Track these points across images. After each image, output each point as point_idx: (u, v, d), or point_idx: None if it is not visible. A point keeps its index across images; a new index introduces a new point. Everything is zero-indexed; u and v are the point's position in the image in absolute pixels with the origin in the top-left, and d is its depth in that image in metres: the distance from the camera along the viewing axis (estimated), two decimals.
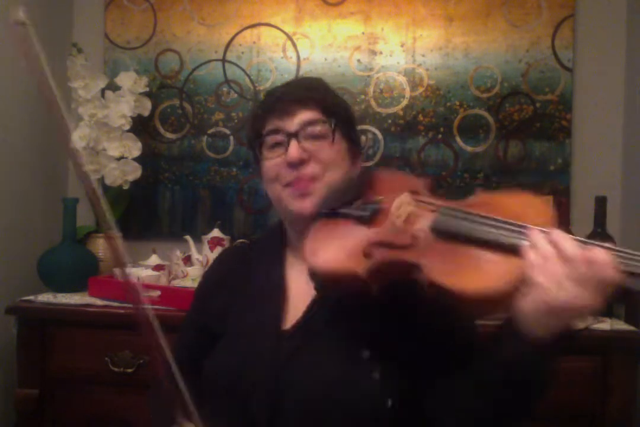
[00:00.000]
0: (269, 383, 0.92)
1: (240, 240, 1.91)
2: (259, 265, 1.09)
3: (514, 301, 0.75)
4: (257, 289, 1.05)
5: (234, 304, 1.07)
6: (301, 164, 1.00)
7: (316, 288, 0.92)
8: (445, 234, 0.82)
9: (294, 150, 1.00)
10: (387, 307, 0.89)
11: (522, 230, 0.77)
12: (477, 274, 0.76)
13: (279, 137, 1.03)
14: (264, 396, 0.92)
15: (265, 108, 1.06)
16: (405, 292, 0.82)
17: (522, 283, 0.74)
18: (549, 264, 0.73)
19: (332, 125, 1.03)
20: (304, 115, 1.02)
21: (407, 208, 0.87)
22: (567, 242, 0.73)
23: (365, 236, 0.85)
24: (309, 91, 1.06)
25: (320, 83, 1.12)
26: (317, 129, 1.02)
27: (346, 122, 1.08)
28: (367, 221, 0.90)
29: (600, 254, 0.71)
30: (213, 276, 1.19)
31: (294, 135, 1.01)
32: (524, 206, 0.83)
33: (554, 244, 0.74)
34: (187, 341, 1.12)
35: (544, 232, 0.75)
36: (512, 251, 0.76)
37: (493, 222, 0.79)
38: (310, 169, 1.00)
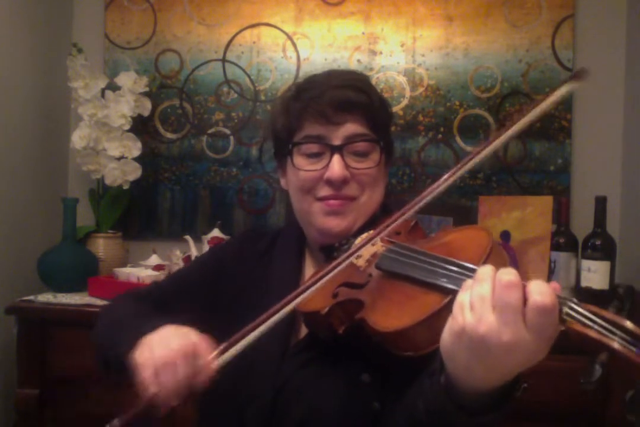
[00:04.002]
0: (266, 399, 0.87)
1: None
2: (277, 264, 1.03)
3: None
4: (272, 292, 0.95)
5: (245, 297, 0.99)
6: (342, 183, 0.94)
7: (305, 325, 0.91)
8: (388, 272, 0.81)
9: (338, 168, 0.92)
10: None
11: (459, 269, 0.72)
12: (401, 310, 0.73)
13: (320, 148, 0.95)
14: (260, 410, 0.87)
15: (305, 104, 0.95)
16: (361, 328, 0.78)
17: (442, 316, 0.67)
18: (473, 290, 0.62)
19: (380, 147, 0.96)
20: (351, 128, 0.94)
21: (371, 247, 0.83)
22: (502, 272, 0.61)
23: (340, 276, 0.82)
24: (357, 93, 0.95)
25: (367, 81, 1.02)
26: (363, 145, 0.95)
27: (389, 135, 1.01)
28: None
29: (535, 285, 0.59)
30: (234, 253, 1.07)
31: (338, 149, 0.93)
32: (467, 240, 0.81)
33: (487, 276, 0.62)
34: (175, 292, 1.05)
35: (476, 269, 0.65)
36: (444, 290, 0.71)
37: (433, 261, 0.75)
38: (350, 190, 0.94)
